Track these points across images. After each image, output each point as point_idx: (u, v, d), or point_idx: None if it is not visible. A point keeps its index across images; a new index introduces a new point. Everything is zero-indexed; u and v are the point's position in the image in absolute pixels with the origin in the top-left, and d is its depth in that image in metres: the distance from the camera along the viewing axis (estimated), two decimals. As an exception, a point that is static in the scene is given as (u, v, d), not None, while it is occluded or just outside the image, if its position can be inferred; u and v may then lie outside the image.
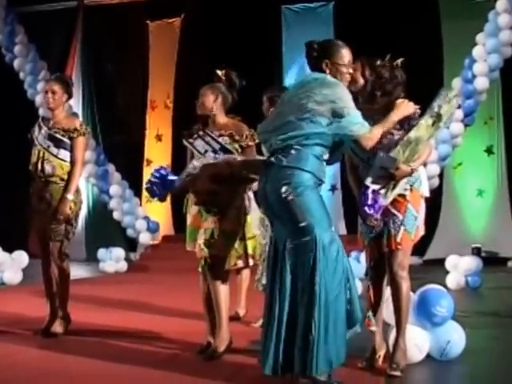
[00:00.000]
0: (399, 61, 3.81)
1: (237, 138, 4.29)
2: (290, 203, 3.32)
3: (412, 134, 3.51)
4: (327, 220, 3.39)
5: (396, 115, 3.58)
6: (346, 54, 3.52)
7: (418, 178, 3.74)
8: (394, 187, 3.55)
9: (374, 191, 3.44)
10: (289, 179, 3.34)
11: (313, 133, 3.34)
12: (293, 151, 3.36)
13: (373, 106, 3.74)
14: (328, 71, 3.47)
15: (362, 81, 3.74)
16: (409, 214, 3.69)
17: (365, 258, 3.99)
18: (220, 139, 4.28)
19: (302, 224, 3.30)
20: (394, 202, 3.66)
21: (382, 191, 3.50)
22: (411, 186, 3.69)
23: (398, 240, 3.68)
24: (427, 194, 3.85)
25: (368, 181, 3.49)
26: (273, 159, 3.43)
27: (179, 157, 4.45)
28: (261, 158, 4.26)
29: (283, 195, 3.33)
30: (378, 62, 3.75)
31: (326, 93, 3.36)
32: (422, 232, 3.79)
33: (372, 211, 3.45)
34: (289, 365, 3.36)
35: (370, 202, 3.42)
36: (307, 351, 3.25)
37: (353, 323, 3.39)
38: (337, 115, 3.34)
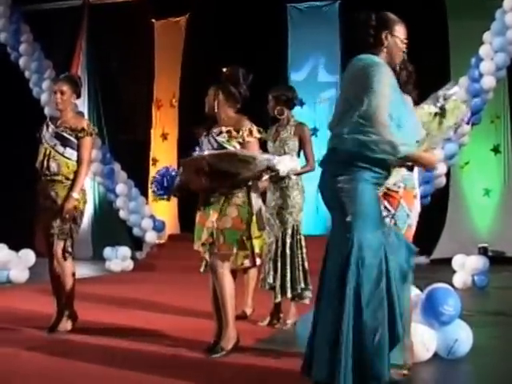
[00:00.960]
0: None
1: (234, 134, 4.25)
2: (339, 190, 3.10)
3: None
4: (376, 220, 3.13)
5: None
6: (402, 30, 3.30)
7: (411, 180, 3.77)
8: None
9: None
10: (344, 172, 3.12)
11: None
12: (347, 148, 3.12)
13: None
14: (386, 43, 3.24)
15: None
16: (401, 209, 3.70)
17: None
18: (218, 137, 4.27)
19: (347, 218, 3.07)
20: (387, 197, 3.68)
21: None
22: (405, 185, 3.71)
23: None
24: (419, 208, 3.86)
25: None
26: (330, 154, 3.25)
27: (185, 155, 4.45)
28: (259, 152, 4.25)
29: (336, 185, 3.12)
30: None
31: (364, 73, 3.11)
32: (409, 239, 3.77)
33: None
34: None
35: None
36: (334, 362, 2.97)
37: (393, 344, 3.05)
38: (364, 91, 3.05)
